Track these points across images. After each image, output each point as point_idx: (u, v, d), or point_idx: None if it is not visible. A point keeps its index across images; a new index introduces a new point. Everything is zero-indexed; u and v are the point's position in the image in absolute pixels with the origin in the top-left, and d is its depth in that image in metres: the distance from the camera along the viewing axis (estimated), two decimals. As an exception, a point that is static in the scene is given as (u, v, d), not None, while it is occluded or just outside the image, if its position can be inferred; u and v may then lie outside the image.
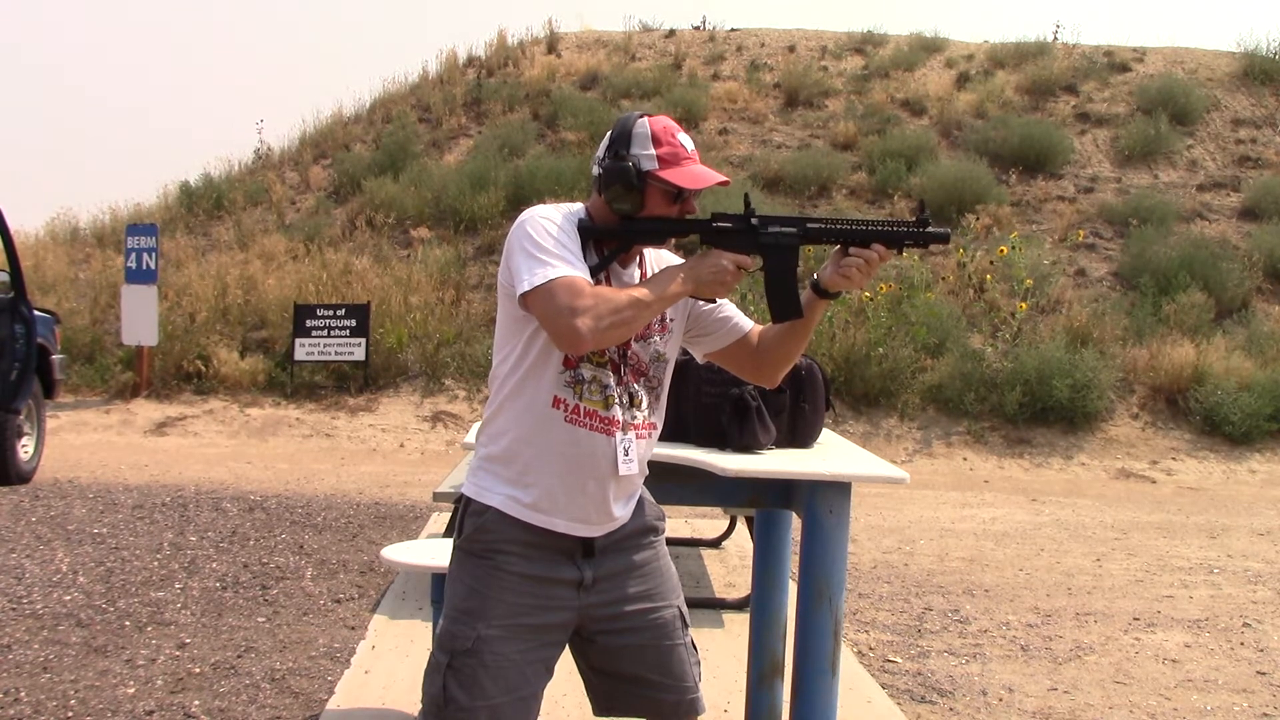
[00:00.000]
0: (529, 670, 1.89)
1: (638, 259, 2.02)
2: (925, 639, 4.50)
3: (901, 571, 5.71)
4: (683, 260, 2.02)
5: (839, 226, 1.92)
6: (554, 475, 1.89)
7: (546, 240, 1.83)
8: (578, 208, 1.95)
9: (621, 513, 1.98)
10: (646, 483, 2.07)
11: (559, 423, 1.88)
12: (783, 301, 1.95)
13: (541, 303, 1.77)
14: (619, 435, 1.90)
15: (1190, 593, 5.48)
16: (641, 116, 1.95)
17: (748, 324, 2.12)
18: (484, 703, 1.84)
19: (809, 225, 1.94)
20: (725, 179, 1.93)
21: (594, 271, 1.86)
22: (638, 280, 1.97)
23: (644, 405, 1.98)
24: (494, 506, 1.91)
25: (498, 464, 1.92)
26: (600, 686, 2.03)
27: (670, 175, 1.89)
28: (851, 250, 1.93)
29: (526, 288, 1.78)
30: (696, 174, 1.92)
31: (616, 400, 1.92)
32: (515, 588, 1.89)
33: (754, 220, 1.93)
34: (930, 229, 1.93)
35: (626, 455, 1.90)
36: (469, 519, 1.94)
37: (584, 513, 1.91)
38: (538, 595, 1.90)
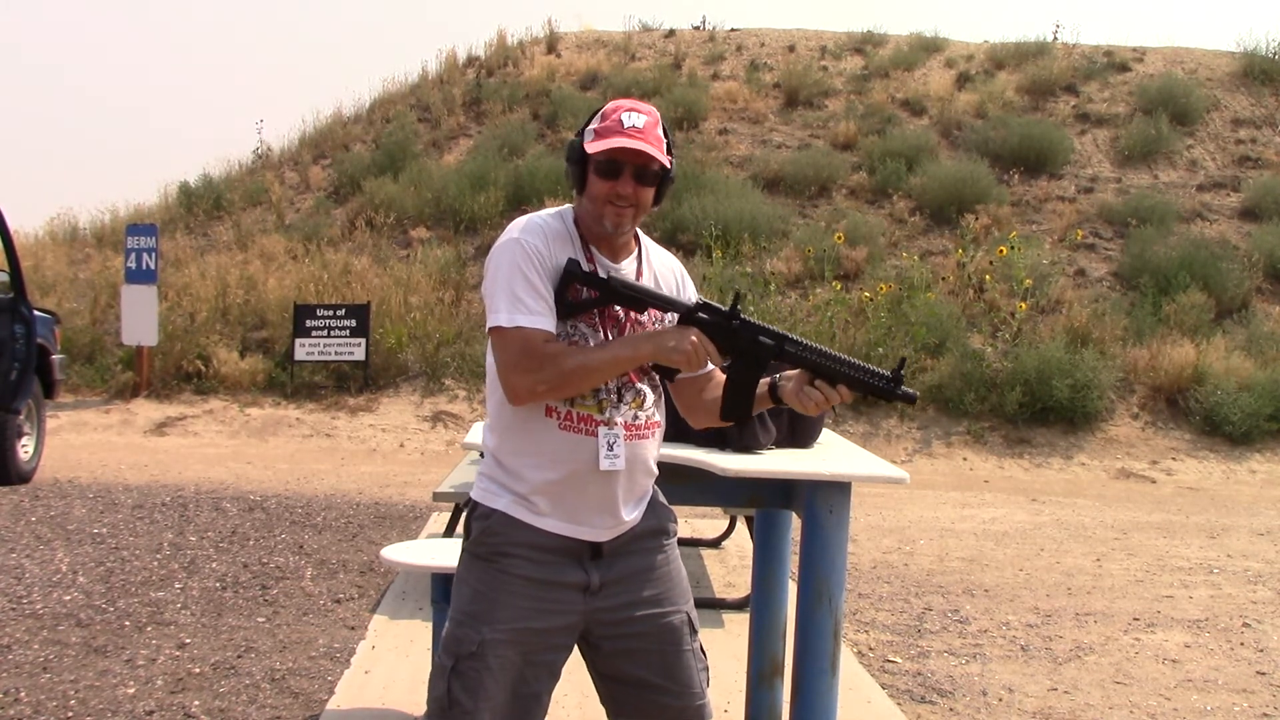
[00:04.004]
0: (533, 673, 1.88)
1: (636, 253, 1.99)
2: (925, 639, 4.49)
3: (901, 571, 5.71)
4: (679, 269, 2.06)
5: (814, 358, 1.87)
6: (555, 481, 1.88)
7: (515, 279, 1.84)
8: (568, 210, 1.96)
9: (630, 515, 1.95)
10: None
11: (554, 430, 1.88)
12: (736, 405, 1.93)
13: (497, 346, 1.84)
14: (602, 431, 1.88)
15: (1190, 593, 5.48)
16: (615, 100, 1.97)
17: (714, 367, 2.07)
18: (488, 705, 1.84)
19: (787, 345, 1.89)
20: (650, 153, 1.85)
21: (570, 311, 1.86)
22: (633, 276, 1.95)
23: (648, 404, 1.96)
24: (499, 509, 1.90)
25: (501, 470, 1.93)
26: (607, 692, 2.02)
27: (590, 144, 1.87)
28: (817, 382, 1.89)
29: (490, 324, 1.84)
30: (612, 143, 1.85)
31: (610, 403, 1.90)
32: (521, 591, 1.88)
33: (736, 323, 1.88)
34: (902, 389, 1.88)
35: (610, 450, 1.87)
36: (475, 522, 1.94)
37: (588, 516, 1.90)
38: (544, 599, 1.88)
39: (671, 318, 1.94)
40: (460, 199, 13.24)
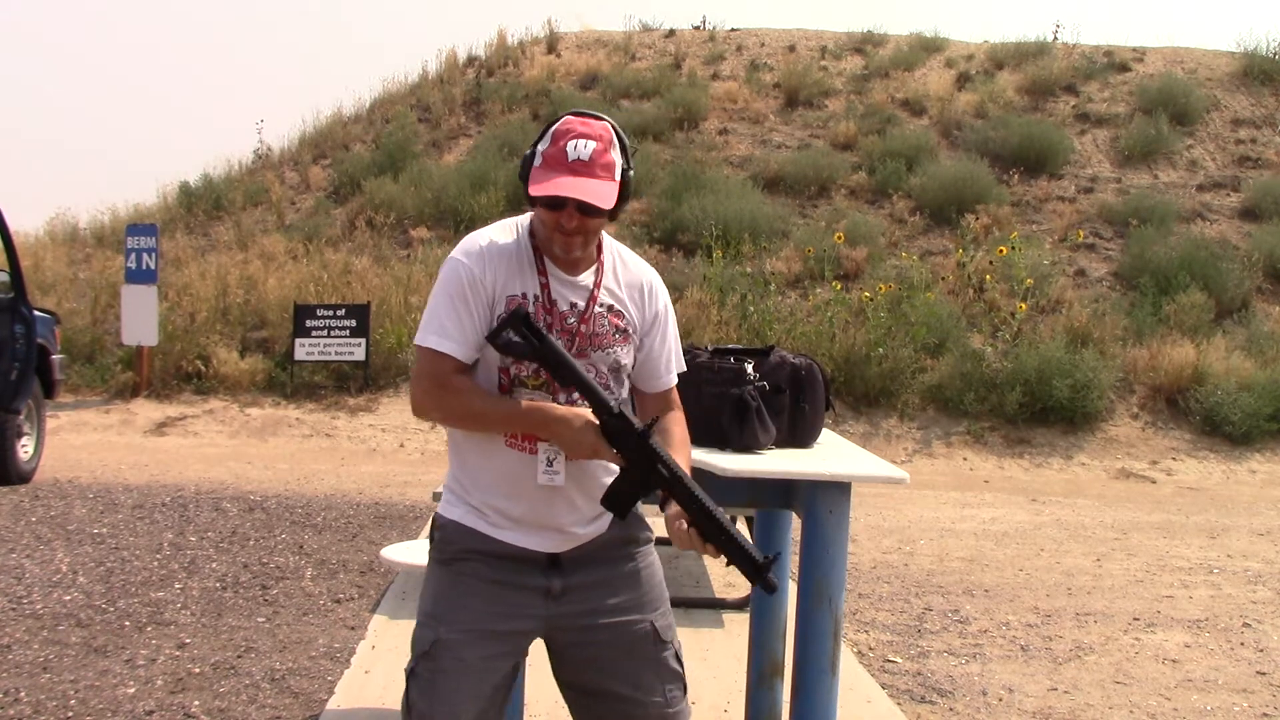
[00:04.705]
0: (489, 677, 1.85)
1: (597, 265, 1.93)
2: (925, 639, 4.49)
3: (901, 571, 5.71)
4: (649, 283, 1.99)
5: (695, 509, 1.79)
6: (505, 498, 1.87)
7: (441, 300, 1.86)
8: (526, 220, 1.93)
9: (585, 529, 1.91)
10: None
11: (500, 446, 1.87)
12: (619, 501, 1.86)
13: (417, 361, 1.90)
14: (542, 448, 1.85)
15: (1190, 593, 5.48)
16: (574, 113, 1.89)
17: (657, 385, 2.02)
18: (443, 708, 1.81)
19: (678, 487, 1.79)
20: (588, 199, 1.78)
21: (502, 350, 1.80)
22: (590, 287, 1.90)
23: None
24: (454, 519, 1.91)
25: (456, 482, 1.93)
26: (574, 701, 1.98)
27: (531, 178, 1.83)
28: (691, 530, 1.80)
29: (417, 340, 1.88)
30: (553, 183, 1.79)
31: None
32: (480, 593, 1.86)
33: (647, 440, 1.79)
34: (765, 577, 1.82)
35: (550, 467, 1.85)
36: (436, 532, 1.95)
37: (537, 530, 1.88)
38: (503, 601, 1.86)
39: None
40: (460, 199, 13.24)
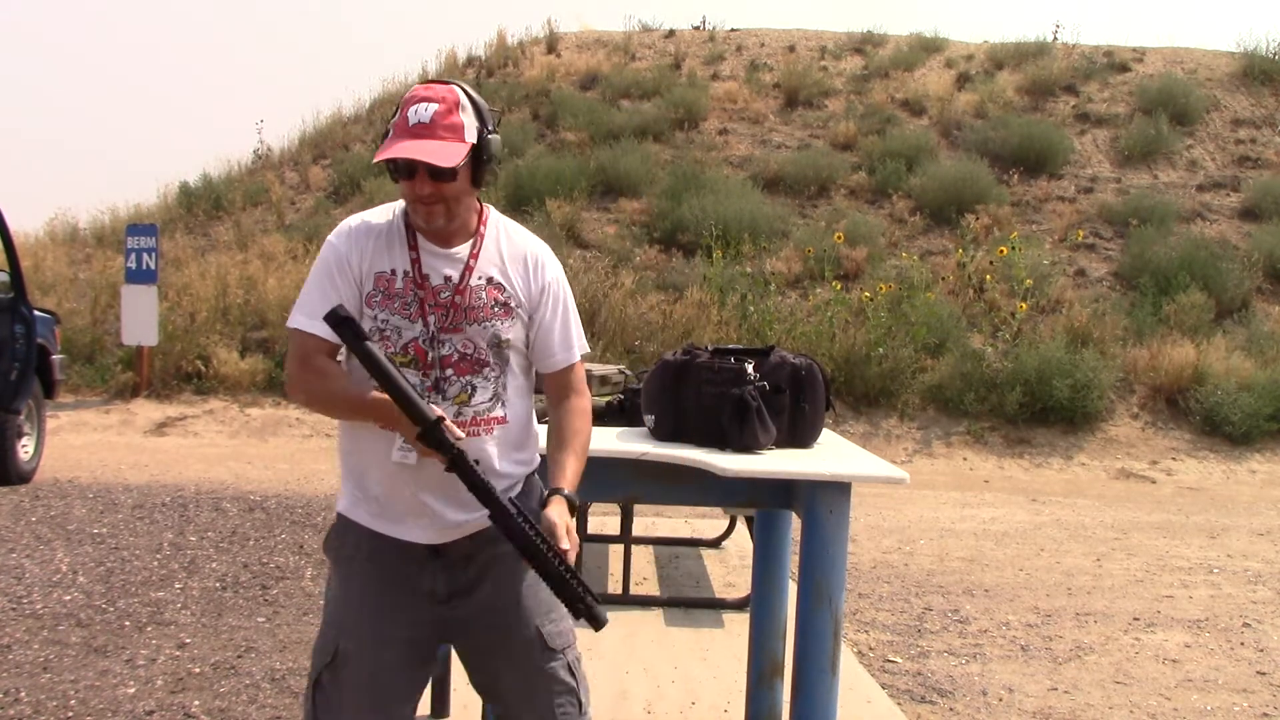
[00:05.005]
0: (392, 686, 1.83)
1: (476, 238, 1.89)
2: (925, 639, 4.50)
3: (901, 571, 5.71)
4: (537, 257, 1.93)
5: (518, 542, 1.71)
6: (379, 484, 1.85)
7: (312, 280, 1.85)
8: (400, 207, 1.90)
9: (461, 517, 1.83)
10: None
11: (374, 430, 1.83)
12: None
13: (289, 340, 1.88)
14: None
15: (1190, 593, 5.48)
16: (422, 83, 1.87)
17: (552, 364, 1.95)
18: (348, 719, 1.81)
19: (494, 515, 1.72)
20: (425, 158, 1.75)
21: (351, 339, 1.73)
22: (466, 259, 1.87)
23: (479, 398, 1.86)
24: (340, 511, 1.91)
25: (342, 469, 1.93)
26: (490, 707, 1.98)
27: (379, 151, 1.80)
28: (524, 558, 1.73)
29: (289, 322, 1.86)
30: (392, 147, 1.77)
31: (425, 397, 1.80)
32: (371, 598, 1.84)
33: (457, 463, 1.71)
34: (588, 610, 1.71)
35: (405, 443, 1.78)
36: (332, 526, 1.94)
37: (404, 516, 1.84)
38: (394, 606, 1.84)
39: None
40: (460, 199, 13.23)
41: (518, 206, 13.07)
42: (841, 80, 16.90)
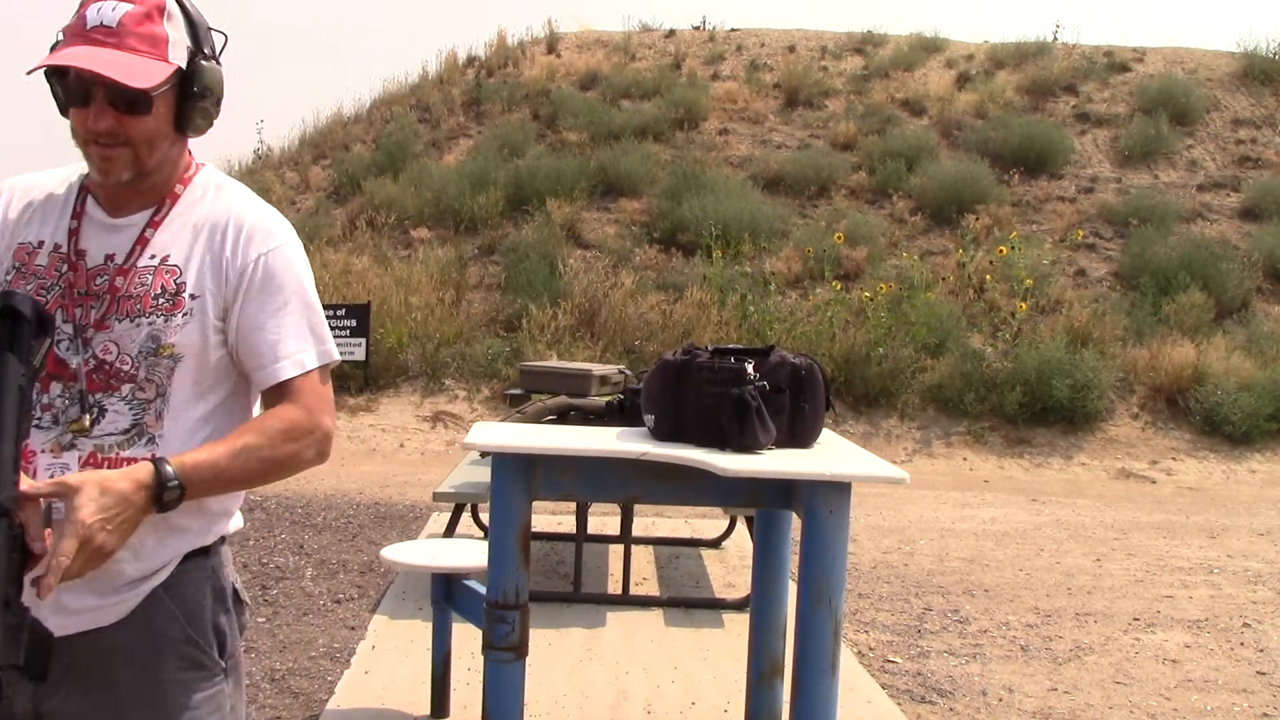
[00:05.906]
0: None
1: (164, 204, 1.39)
2: (925, 639, 4.50)
3: (901, 571, 5.71)
4: (249, 228, 1.42)
5: None
6: None
7: None
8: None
9: (78, 604, 1.29)
10: None
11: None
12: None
13: None
14: None
15: (1190, 593, 5.48)
16: None
17: (262, 377, 1.40)
18: None
19: None
20: (104, 71, 1.25)
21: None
22: (139, 229, 1.38)
23: (106, 428, 1.31)
24: None
25: None
26: None
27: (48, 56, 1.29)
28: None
29: None
30: (55, 57, 1.27)
31: (34, 423, 1.29)
32: None
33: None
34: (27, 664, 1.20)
35: None
36: None
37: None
38: None
39: None
40: (460, 199, 13.24)
41: (518, 207, 13.09)
42: (841, 80, 16.90)
